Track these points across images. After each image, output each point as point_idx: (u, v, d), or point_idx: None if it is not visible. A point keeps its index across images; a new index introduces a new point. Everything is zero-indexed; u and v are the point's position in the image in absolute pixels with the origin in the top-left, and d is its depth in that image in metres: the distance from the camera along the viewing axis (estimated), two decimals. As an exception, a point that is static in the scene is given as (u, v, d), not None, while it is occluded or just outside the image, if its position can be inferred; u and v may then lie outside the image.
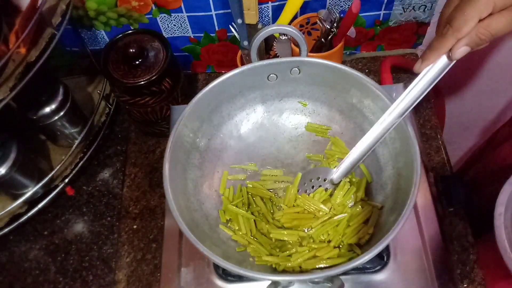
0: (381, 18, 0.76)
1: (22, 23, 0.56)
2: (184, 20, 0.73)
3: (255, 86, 0.60)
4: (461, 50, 0.43)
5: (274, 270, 0.53)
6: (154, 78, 0.66)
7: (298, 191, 0.58)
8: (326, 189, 0.58)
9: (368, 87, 0.54)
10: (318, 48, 0.72)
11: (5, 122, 0.67)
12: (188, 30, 0.76)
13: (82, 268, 0.68)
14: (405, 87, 0.48)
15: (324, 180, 0.58)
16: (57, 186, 0.73)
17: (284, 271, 0.52)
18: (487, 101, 0.84)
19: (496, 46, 0.75)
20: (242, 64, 0.73)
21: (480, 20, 0.41)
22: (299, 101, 0.63)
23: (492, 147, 0.77)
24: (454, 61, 0.45)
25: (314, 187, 0.59)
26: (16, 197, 0.69)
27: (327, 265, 0.51)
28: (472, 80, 0.83)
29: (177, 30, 0.76)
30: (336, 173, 0.57)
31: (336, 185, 0.58)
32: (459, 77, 0.84)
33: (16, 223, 0.70)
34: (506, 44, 0.74)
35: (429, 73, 0.47)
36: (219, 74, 0.61)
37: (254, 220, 0.57)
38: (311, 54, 0.70)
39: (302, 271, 0.52)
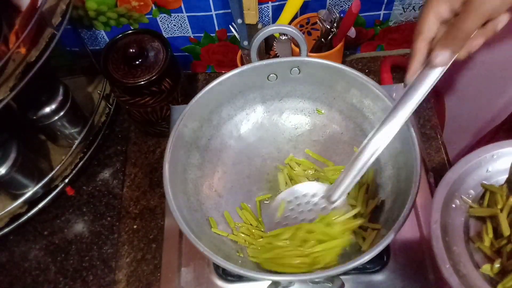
0: (381, 18, 0.76)
1: (22, 23, 0.56)
2: (184, 20, 0.73)
3: (255, 86, 0.60)
4: (441, 57, 0.41)
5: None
6: (154, 78, 0.66)
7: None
8: (322, 208, 0.52)
9: (368, 87, 0.54)
10: (318, 48, 0.72)
11: (5, 122, 0.67)
12: (188, 30, 0.76)
13: (82, 268, 0.68)
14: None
15: (316, 197, 0.53)
16: (57, 186, 0.73)
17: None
18: (487, 101, 0.84)
19: (497, 47, 0.75)
20: (242, 64, 0.73)
21: (444, 23, 0.41)
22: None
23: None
24: (443, 68, 0.42)
25: (308, 204, 0.54)
26: (16, 197, 0.69)
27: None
28: (472, 80, 0.83)
29: (177, 30, 0.76)
30: (335, 191, 0.50)
31: (333, 203, 0.52)
32: (459, 77, 0.84)
33: (16, 223, 0.70)
34: (507, 45, 0.74)
35: (419, 84, 0.43)
36: (219, 74, 0.61)
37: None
38: (311, 54, 0.70)
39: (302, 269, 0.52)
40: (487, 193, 0.45)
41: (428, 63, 0.43)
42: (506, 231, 0.41)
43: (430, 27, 0.42)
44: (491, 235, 0.43)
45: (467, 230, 0.44)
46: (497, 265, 0.41)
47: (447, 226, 0.43)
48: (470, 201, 0.44)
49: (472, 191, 0.45)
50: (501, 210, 0.42)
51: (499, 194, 0.43)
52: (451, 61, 0.42)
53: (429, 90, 0.44)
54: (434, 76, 0.43)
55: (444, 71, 0.43)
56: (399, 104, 0.45)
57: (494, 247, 0.42)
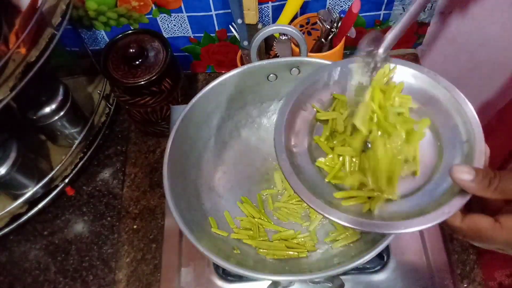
0: (381, 18, 0.76)
1: (22, 23, 0.56)
2: (184, 20, 0.73)
3: (255, 86, 0.60)
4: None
5: (277, 270, 0.53)
6: (154, 78, 0.66)
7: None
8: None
9: (368, 87, 0.54)
10: (318, 48, 0.72)
11: (5, 122, 0.67)
12: (188, 30, 0.76)
13: (82, 268, 0.68)
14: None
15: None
16: (57, 186, 0.73)
17: (286, 271, 0.52)
18: (486, 101, 0.84)
19: (497, 47, 0.76)
20: (242, 64, 0.73)
21: None
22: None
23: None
24: None
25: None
26: (16, 197, 0.69)
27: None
28: (472, 80, 0.83)
29: (177, 30, 0.76)
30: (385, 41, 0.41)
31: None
32: (459, 76, 0.84)
33: (16, 223, 0.70)
34: (506, 45, 0.74)
35: None
36: (219, 74, 0.61)
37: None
38: (311, 54, 0.70)
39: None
40: (336, 101, 0.46)
41: None
42: (340, 127, 0.43)
43: None
44: (327, 132, 0.44)
45: (312, 132, 0.45)
46: (330, 156, 0.42)
47: (294, 125, 0.44)
48: (318, 107, 0.46)
49: (323, 99, 0.46)
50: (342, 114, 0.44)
51: (346, 102, 0.45)
52: None
53: None
54: None
55: None
56: None
57: (331, 143, 0.44)
